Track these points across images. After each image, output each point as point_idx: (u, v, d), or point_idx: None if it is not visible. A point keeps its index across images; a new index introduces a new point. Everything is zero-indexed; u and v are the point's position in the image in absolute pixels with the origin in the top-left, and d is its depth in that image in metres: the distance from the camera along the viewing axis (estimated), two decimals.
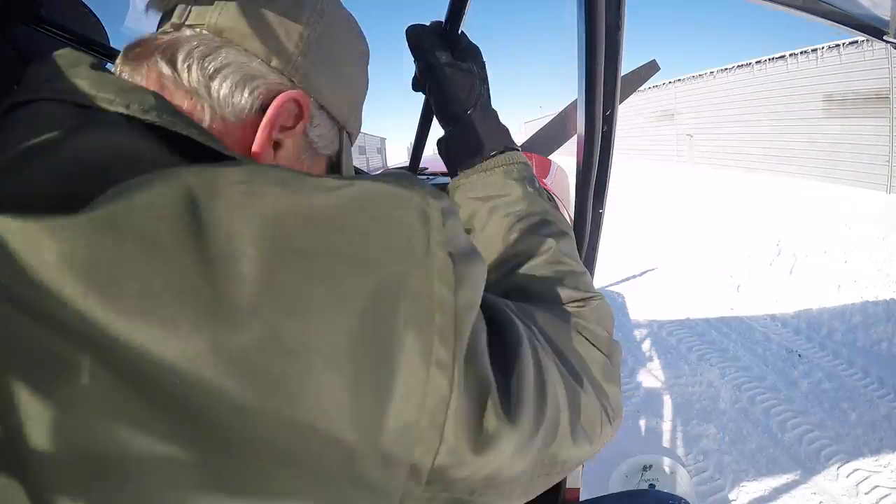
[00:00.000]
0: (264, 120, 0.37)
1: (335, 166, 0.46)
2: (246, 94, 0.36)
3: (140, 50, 0.37)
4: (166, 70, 0.35)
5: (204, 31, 0.36)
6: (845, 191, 8.36)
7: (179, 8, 0.37)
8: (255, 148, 0.37)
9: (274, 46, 0.37)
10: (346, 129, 0.45)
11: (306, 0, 0.39)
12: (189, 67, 0.35)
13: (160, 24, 0.39)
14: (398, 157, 28.81)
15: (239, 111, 0.36)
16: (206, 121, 0.36)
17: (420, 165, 1.43)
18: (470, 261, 0.27)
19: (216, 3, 0.36)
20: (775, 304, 3.77)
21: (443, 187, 1.53)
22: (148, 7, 0.39)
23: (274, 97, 0.37)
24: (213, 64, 0.36)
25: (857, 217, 6.02)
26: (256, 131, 0.37)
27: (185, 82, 0.35)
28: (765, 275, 4.26)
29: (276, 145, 0.39)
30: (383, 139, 32.20)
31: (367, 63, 0.47)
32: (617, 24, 0.60)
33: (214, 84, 0.36)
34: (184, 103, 0.35)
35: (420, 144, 1.33)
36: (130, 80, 0.36)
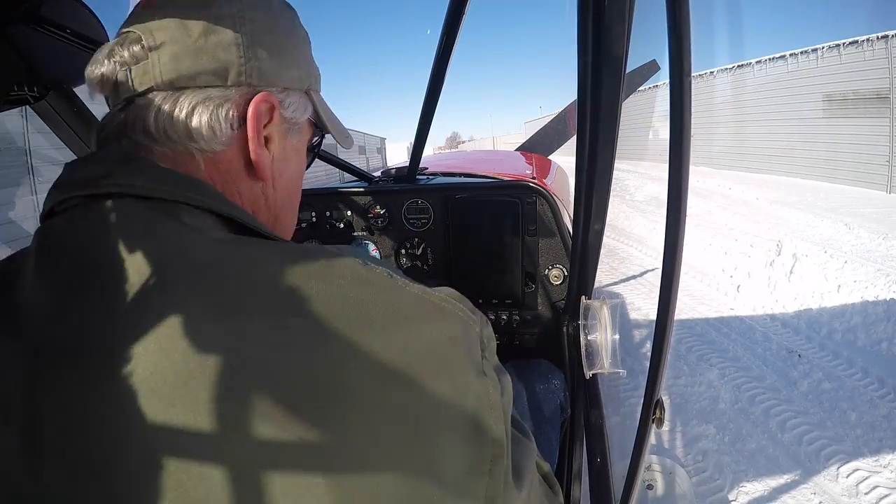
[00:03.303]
0: (249, 131, 0.41)
1: (318, 121, 0.50)
2: (223, 121, 0.40)
3: (108, 133, 0.40)
4: (145, 141, 0.39)
5: (155, 92, 0.39)
6: (845, 191, 8.36)
7: (122, 85, 0.39)
8: (253, 157, 0.42)
9: (221, 69, 0.40)
10: (311, 89, 0.48)
11: (223, 14, 0.40)
12: (164, 128, 0.38)
13: (110, 103, 0.42)
14: (398, 156, 28.79)
15: (226, 138, 0.40)
16: (201, 164, 0.40)
17: (420, 165, 1.43)
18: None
19: (150, 60, 0.38)
20: (775, 304, 3.77)
21: (442, 189, 1.53)
22: (91, 93, 0.42)
23: (246, 108, 0.41)
24: (181, 113, 0.39)
25: (857, 217, 6.03)
26: (246, 143, 0.42)
27: (170, 140, 0.39)
28: (765, 275, 4.26)
29: (266, 141, 0.43)
30: (383, 139, 32.17)
31: (297, 20, 0.48)
32: (616, 25, 0.60)
33: (193, 128, 0.39)
34: (178, 160, 0.39)
35: (420, 144, 1.33)
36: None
